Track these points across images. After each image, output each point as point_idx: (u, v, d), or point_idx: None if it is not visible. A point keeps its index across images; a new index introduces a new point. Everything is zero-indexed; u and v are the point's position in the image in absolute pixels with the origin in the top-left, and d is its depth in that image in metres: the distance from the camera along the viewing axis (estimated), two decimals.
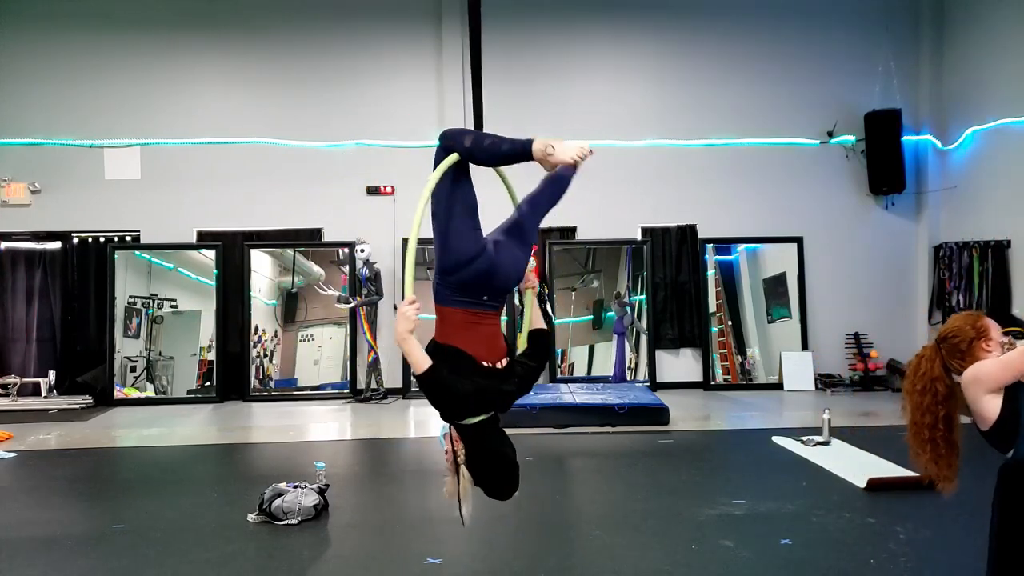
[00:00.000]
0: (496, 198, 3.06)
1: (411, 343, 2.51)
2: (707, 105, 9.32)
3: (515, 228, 2.78)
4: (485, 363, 2.62)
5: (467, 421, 2.62)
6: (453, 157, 2.65)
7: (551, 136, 2.76)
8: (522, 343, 2.90)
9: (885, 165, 9.09)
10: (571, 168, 2.75)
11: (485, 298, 2.65)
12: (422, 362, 2.52)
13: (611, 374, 9.01)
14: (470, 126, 9.11)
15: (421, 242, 2.66)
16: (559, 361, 9.05)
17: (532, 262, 2.88)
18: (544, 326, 2.94)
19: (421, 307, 2.54)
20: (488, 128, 9.38)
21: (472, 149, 2.65)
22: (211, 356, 8.78)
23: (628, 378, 9.03)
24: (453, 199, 2.64)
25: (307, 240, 9.08)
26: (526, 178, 2.93)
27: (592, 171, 9.67)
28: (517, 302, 9.04)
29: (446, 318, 2.66)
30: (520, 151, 2.66)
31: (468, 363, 2.59)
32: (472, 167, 2.74)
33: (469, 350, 2.61)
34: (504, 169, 2.90)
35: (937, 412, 2.74)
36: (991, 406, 2.57)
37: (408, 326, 2.51)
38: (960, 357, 2.72)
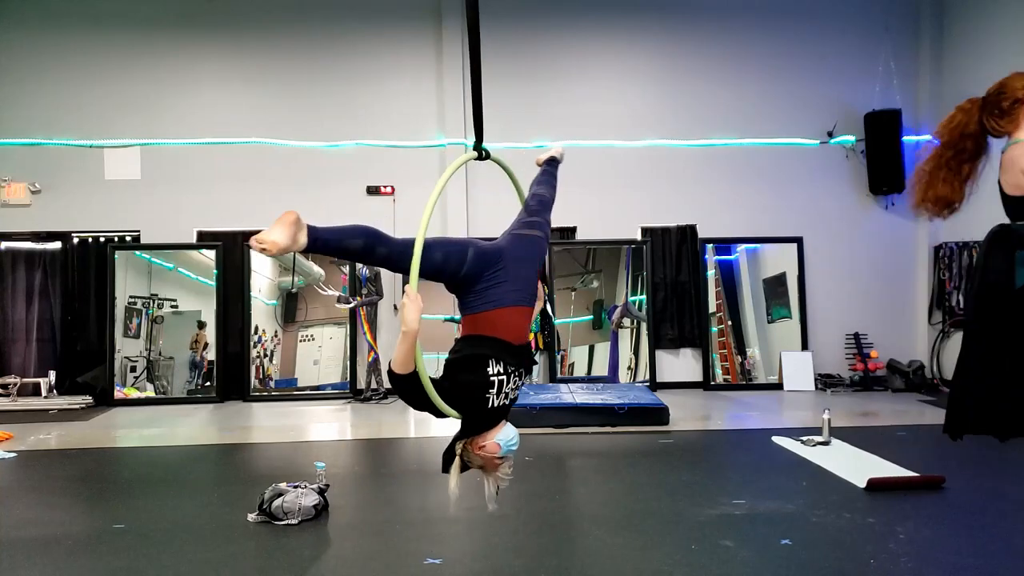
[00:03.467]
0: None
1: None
2: (707, 105, 9.33)
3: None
4: None
5: None
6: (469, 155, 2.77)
7: None
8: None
9: (885, 165, 9.08)
10: None
11: None
12: None
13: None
14: (470, 126, 9.10)
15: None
16: (559, 361, 9.05)
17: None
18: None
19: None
20: (486, 127, 9.39)
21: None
22: (211, 356, 8.80)
23: (622, 378, 9.00)
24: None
25: None
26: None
27: (592, 171, 9.73)
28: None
29: None
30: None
31: None
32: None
33: None
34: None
35: (961, 160, 2.56)
36: None
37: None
38: (999, 115, 2.52)
